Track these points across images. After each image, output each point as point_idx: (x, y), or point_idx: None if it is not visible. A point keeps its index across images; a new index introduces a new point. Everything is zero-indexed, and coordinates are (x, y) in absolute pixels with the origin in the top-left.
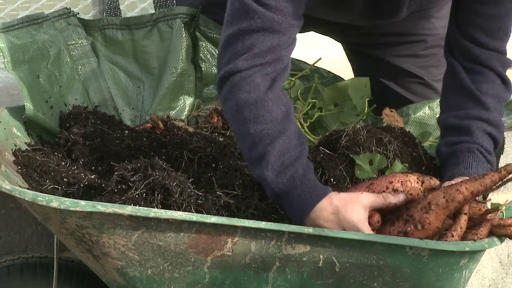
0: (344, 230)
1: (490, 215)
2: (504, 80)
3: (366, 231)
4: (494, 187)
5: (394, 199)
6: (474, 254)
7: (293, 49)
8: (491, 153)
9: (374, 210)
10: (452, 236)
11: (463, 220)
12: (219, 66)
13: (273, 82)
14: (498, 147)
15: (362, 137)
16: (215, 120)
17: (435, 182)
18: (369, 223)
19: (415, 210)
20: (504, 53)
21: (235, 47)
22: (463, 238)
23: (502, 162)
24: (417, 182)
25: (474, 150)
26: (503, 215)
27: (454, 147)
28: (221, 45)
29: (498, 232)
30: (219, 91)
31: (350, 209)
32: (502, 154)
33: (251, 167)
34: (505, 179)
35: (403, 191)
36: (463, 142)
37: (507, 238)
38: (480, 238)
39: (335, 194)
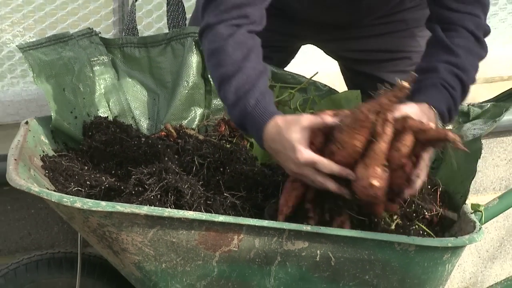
0: (286, 149)
1: (410, 121)
2: (478, 38)
3: (303, 151)
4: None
5: (331, 119)
6: (456, 250)
7: (262, 7)
8: (456, 90)
9: (319, 132)
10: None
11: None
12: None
13: (236, 29)
14: (466, 93)
15: None
16: (223, 129)
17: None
18: (312, 143)
19: (336, 131)
20: (478, 16)
21: (208, 7)
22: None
23: (480, 167)
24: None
25: (437, 85)
26: (483, 217)
27: (419, 84)
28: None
29: (423, 138)
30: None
31: (290, 130)
32: (480, 158)
33: (226, 109)
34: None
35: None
36: (430, 78)
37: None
38: (407, 147)
39: (280, 116)
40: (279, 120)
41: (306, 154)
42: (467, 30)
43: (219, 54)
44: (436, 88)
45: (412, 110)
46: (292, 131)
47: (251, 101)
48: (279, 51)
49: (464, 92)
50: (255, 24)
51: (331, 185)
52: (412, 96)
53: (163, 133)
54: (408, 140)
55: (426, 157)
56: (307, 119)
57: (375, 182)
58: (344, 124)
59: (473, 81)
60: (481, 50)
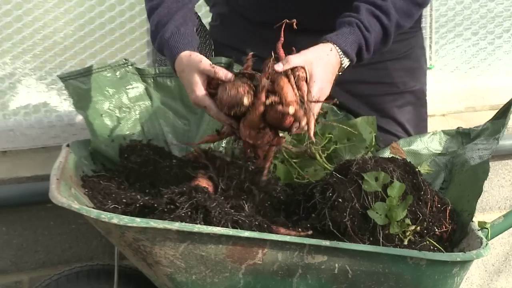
0: (186, 87)
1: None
2: None
3: (197, 93)
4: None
5: (222, 74)
6: (464, 264)
7: None
8: (370, 31)
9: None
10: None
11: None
12: None
13: None
14: (387, 36)
15: (369, 165)
16: (248, 151)
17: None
18: (210, 84)
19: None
20: None
21: None
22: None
23: (486, 188)
24: None
25: (353, 24)
26: (489, 233)
27: (339, 20)
28: None
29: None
30: None
31: (190, 71)
32: (486, 180)
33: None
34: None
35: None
36: (350, 16)
37: None
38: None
39: (185, 54)
40: (184, 58)
41: (200, 97)
42: None
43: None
44: (350, 27)
45: (301, 59)
46: (191, 72)
47: (166, 34)
48: None
49: (385, 35)
50: None
51: (222, 119)
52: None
53: (192, 155)
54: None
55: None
56: (203, 65)
57: (248, 140)
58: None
59: (399, 26)
60: None
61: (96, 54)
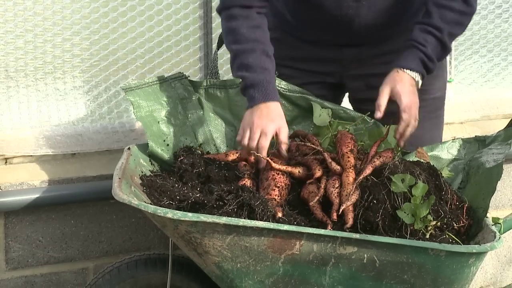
0: (268, 116)
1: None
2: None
3: (266, 137)
4: None
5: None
6: (479, 255)
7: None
8: (426, 45)
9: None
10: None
11: None
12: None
13: (247, 11)
14: (445, 45)
15: (399, 169)
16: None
17: None
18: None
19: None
20: None
21: None
22: None
23: (499, 187)
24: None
25: (409, 46)
26: (502, 228)
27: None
28: None
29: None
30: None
31: (272, 117)
32: (499, 180)
33: (233, 71)
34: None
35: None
36: (406, 41)
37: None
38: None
39: (277, 105)
40: (277, 107)
41: (284, 138)
42: None
43: (236, 33)
44: (408, 49)
45: (386, 94)
46: (276, 122)
47: (266, 77)
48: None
49: (442, 45)
50: (263, 6)
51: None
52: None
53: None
54: None
55: None
56: (284, 130)
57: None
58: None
59: (451, 35)
60: (466, 7)
61: (155, 68)
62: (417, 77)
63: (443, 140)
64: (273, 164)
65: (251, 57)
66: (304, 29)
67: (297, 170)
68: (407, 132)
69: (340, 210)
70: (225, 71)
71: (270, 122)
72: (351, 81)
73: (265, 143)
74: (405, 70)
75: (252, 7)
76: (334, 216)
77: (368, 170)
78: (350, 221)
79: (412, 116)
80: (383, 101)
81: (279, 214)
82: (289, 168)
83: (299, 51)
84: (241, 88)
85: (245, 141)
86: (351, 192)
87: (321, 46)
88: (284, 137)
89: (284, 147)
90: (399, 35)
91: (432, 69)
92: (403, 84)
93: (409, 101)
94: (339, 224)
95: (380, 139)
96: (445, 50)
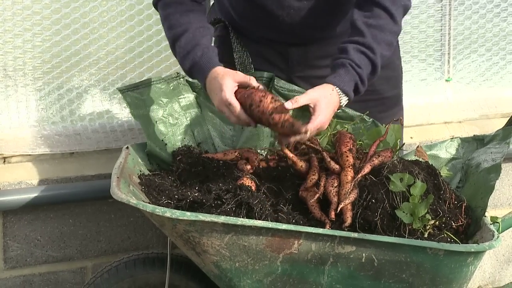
0: (216, 89)
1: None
2: (391, 14)
3: (226, 92)
4: None
5: (255, 83)
6: (478, 254)
7: None
8: (362, 67)
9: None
10: None
11: None
12: None
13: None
14: (375, 67)
15: (398, 169)
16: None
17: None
18: (236, 94)
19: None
20: None
21: None
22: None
23: (498, 186)
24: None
25: (346, 64)
26: (500, 227)
27: (335, 61)
28: None
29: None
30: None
31: (224, 77)
32: (498, 179)
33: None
34: None
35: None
36: (341, 58)
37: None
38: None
39: (220, 67)
40: (219, 69)
41: (227, 95)
42: (381, 7)
43: (170, 19)
44: (345, 68)
45: (307, 98)
46: (225, 79)
47: (198, 53)
48: None
49: (373, 67)
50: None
51: (242, 118)
52: (329, 75)
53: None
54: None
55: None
56: (238, 76)
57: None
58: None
59: (383, 56)
60: (395, 26)
61: (153, 68)
62: (344, 103)
63: (442, 140)
64: (286, 151)
65: (183, 39)
66: (249, 27)
67: (300, 164)
68: (292, 140)
69: (338, 209)
70: None
71: (220, 91)
72: (299, 82)
73: (236, 112)
74: (339, 93)
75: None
76: (332, 215)
77: (367, 169)
78: (348, 220)
79: (310, 133)
80: (301, 101)
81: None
82: (295, 158)
83: (247, 48)
84: (186, 73)
85: (233, 121)
86: (349, 191)
87: (267, 45)
88: (245, 80)
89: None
90: (342, 37)
91: (361, 92)
92: (329, 106)
93: (319, 123)
94: (338, 223)
95: (379, 138)
96: (375, 72)
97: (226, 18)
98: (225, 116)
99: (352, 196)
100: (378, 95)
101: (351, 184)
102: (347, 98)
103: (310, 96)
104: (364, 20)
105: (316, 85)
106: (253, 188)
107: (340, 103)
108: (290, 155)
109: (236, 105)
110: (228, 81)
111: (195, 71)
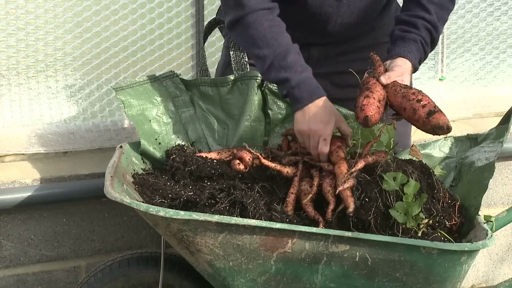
0: (322, 118)
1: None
2: None
3: (328, 129)
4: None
5: (350, 140)
6: (471, 253)
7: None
8: (428, 45)
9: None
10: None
11: None
12: (226, 14)
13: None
14: (434, 43)
15: (392, 168)
16: (286, 147)
17: None
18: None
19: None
20: None
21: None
22: None
23: (491, 185)
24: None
25: (417, 41)
26: (493, 226)
27: (405, 33)
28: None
29: None
30: (231, 32)
31: (328, 111)
32: (491, 178)
33: (268, 75)
34: None
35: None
36: (412, 32)
37: None
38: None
39: (327, 100)
40: (330, 104)
41: (328, 134)
42: None
43: (260, 40)
44: (416, 44)
45: (396, 74)
46: (332, 115)
47: (303, 73)
48: None
49: (433, 45)
50: (276, 8)
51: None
52: (397, 39)
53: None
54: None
55: None
56: (344, 122)
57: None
58: None
59: (440, 33)
60: (451, 4)
61: (147, 67)
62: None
63: (436, 139)
64: (263, 160)
65: (288, 57)
66: None
67: (285, 170)
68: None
69: (338, 191)
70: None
71: (326, 125)
72: (318, 79)
73: (326, 149)
74: (411, 67)
75: (273, 8)
76: (329, 215)
77: (361, 164)
78: (351, 205)
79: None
80: (393, 77)
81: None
82: (279, 167)
83: None
84: (284, 90)
85: (313, 151)
86: (347, 177)
87: None
88: (345, 128)
89: (349, 135)
90: (365, 35)
91: (417, 68)
92: (408, 80)
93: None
94: (332, 222)
95: (373, 140)
96: (432, 50)
97: None
98: (305, 142)
99: (351, 182)
100: None
101: (345, 174)
102: (413, 69)
103: (397, 73)
104: None
105: (335, 81)
106: (248, 159)
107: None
108: (272, 165)
109: (328, 143)
110: (333, 119)
111: (301, 86)
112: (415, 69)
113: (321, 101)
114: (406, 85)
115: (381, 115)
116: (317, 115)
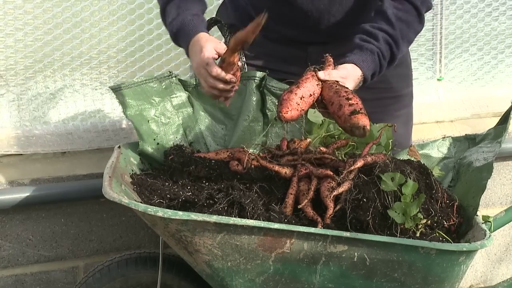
0: (196, 51)
1: None
2: (420, 13)
3: (205, 52)
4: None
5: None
6: (470, 253)
7: None
8: (385, 59)
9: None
10: None
11: None
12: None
13: None
14: (394, 59)
15: (390, 168)
16: (285, 147)
17: None
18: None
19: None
20: None
21: None
22: None
23: (490, 185)
24: None
25: (374, 52)
26: (492, 226)
27: (364, 43)
28: None
29: None
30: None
31: (206, 42)
32: (489, 178)
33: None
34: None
35: None
36: (371, 43)
37: None
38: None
39: (204, 33)
40: (203, 34)
41: (206, 54)
42: (412, 3)
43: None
44: (372, 55)
45: (339, 75)
46: (207, 42)
47: (187, 17)
48: None
49: (392, 61)
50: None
51: (222, 76)
52: (355, 47)
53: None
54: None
55: None
56: (219, 44)
57: None
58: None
59: (402, 52)
60: (419, 25)
61: (145, 67)
62: (360, 85)
63: (434, 139)
64: (261, 161)
65: (175, 2)
66: (269, 26)
67: (284, 170)
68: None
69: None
70: None
71: (201, 51)
72: None
73: (214, 70)
74: (361, 76)
75: None
76: (328, 221)
77: (359, 163)
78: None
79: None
80: (333, 76)
81: None
82: (276, 167)
83: (261, 48)
84: (172, 38)
85: (207, 90)
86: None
87: (285, 44)
88: (215, 48)
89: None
90: None
91: (367, 83)
92: (354, 86)
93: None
94: (331, 223)
95: (372, 141)
96: (390, 67)
97: (242, 18)
98: (202, 82)
99: (346, 185)
100: (395, 93)
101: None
102: (363, 83)
103: (341, 74)
104: (394, 11)
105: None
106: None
107: (357, 87)
108: (270, 165)
109: (214, 65)
110: (209, 44)
111: (181, 35)
112: (365, 80)
113: (195, 39)
114: (344, 85)
115: (301, 112)
116: (193, 50)
